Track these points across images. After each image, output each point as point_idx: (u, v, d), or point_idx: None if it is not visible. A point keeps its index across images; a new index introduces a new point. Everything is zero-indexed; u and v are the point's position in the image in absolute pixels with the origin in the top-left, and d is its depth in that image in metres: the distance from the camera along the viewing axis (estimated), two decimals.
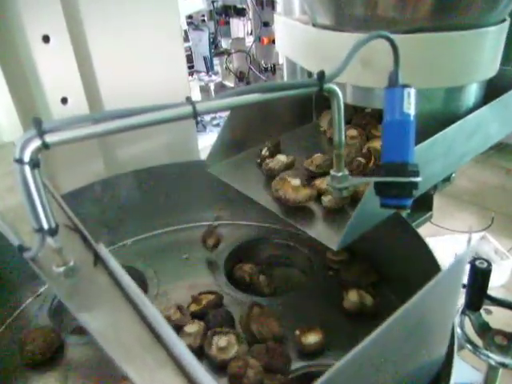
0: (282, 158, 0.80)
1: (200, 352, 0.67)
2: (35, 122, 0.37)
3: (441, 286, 0.38)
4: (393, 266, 0.81)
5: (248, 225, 1.05)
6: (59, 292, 0.42)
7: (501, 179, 2.76)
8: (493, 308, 0.89)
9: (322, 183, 0.71)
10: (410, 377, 0.46)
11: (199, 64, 3.51)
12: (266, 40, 2.93)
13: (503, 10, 0.67)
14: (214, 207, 0.98)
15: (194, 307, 0.79)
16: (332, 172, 0.51)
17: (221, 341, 0.66)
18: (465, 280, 0.83)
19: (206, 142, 0.93)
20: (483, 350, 0.82)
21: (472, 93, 0.75)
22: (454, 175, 0.84)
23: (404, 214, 0.74)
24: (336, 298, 0.77)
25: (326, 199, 0.66)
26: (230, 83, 3.60)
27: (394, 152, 0.49)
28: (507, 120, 0.80)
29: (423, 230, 0.95)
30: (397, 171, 0.48)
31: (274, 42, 2.54)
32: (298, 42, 0.82)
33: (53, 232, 0.41)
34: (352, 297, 0.74)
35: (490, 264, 0.83)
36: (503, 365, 0.80)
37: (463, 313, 0.87)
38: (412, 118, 0.48)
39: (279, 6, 2.31)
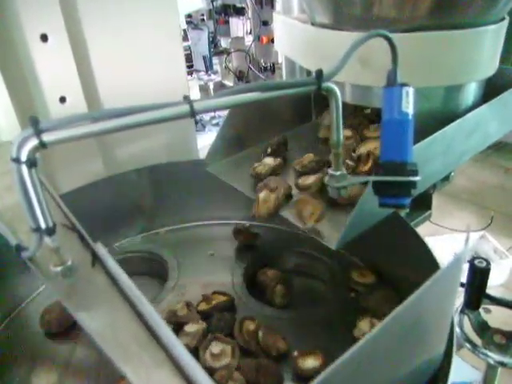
0: (269, 162, 0.80)
1: (195, 353, 0.67)
2: (32, 121, 0.37)
3: (438, 285, 0.38)
4: (392, 265, 0.81)
5: (278, 229, 1.02)
6: (57, 292, 0.42)
7: (500, 178, 2.76)
8: (492, 307, 0.89)
9: (304, 181, 0.70)
10: (408, 376, 0.46)
11: (198, 63, 3.50)
12: (265, 39, 2.92)
13: (502, 9, 0.67)
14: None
15: (202, 306, 0.78)
16: (330, 171, 0.51)
17: (215, 348, 0.65)
18: (464, 279, 0.83)
19: (205, 142, 0.93)
20: (482, 349, 0.82)
21: (471, 92, 0.74)
22: (453, 174, 0.84)
23: (403, 213, 0.74)
24: (349, 323, 0.72)
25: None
26: (229, 82, 3.60)
27: (392, 151, 0.49)
28: (506, 119, 0.80)
29: (422, 229, 0.95)
30: (395, 170, 0.48)
31: (273, 41, 2.54)
32: (297, 40, 0.82)
33: (50, 231, 0.41)
34: (363, 326, 0.70)
35: (488, 263, 0.82)
36: (502, 364, 0.80)
37: (462, 312, 0.87)
38: (410, 117, 0.48)
39: (278, 5, 2.31)
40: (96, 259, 0.44)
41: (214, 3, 3.44)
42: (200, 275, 0.89)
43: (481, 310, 0.87)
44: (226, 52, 3.49)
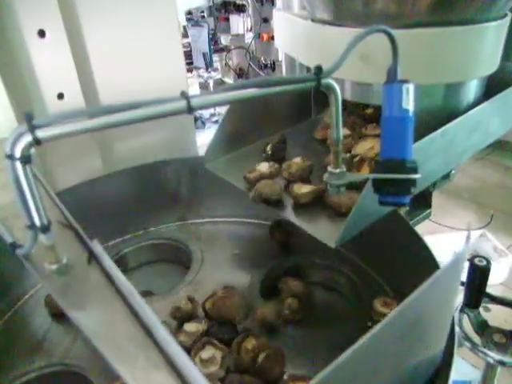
0: (263, 169, 0.79)
1: (189, 353, 0.66)
2: (26, 117, 0.36)
3: (438, 285, 0.38)
4: (390, 264, 0.80)
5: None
6: (52, 290, 0.41)
7: (500, 177, 2.75)
8: (491, 305, 0.89)
9: (298, 189, 0.70)
10: (408, 374, 0.45)
11: (198, 60, 3.49)
12: (265, 36, 2.91)
13: (504, 5, 0.67)
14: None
15: (208, 304, 0.76)
16: (329, 168, 0.50)
17: (205, 353, 0.64)
18: (463, 278, 0.82)
19: (205, 139, 0.93)
20: (481, 347, 0.81)
21: (472, 89, 0.74)
22: (453, 172, 0.83)
23: (403, 211, 0.73)
24: None
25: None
26: (229, 80, 3.59)
27: (392, 148, 0.48)
28: (508, 116, 0.80)
29: (422, 228, 0.95)
30: (395, 168, 0.47)
31: (273, 38, 2.53)
32: (297, 37, 0.82)
33: (45, 229, 0.41)
34: None
35: (488, 262, 0.82)
36: (502, 363, 0.80)
37: (462, 311, 0.87)
38: (411, 114, 0.47)
39: (279, 2, 2.30)
40: (92, 257, 0.44)
41: (214, 0, 3.42)
42: (220, 273, 0.88)
43: (480, 308, 0.87)
44: (227, 49, 3.48)
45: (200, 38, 3.43)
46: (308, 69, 0.83)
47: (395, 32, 0.46)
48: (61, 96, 0.90)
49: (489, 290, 0.84)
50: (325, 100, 0.50)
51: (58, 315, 0.78)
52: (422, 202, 0.94)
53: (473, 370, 1.29)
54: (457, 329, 0.84)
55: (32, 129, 0.36)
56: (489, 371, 0.90)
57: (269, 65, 3.09)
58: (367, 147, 0.72)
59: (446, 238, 2.09)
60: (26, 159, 0.37)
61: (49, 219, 0.41)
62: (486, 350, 0.81)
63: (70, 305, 0.39)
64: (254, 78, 0.44)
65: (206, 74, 3.34)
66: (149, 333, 0.34)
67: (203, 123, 3.10)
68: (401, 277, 0.76)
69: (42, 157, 0.93)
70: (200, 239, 0.99)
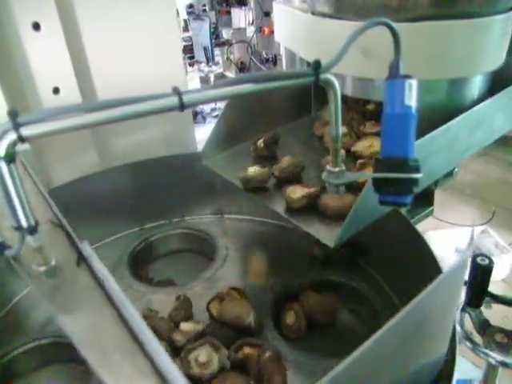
0: (252, 170, 0.77)
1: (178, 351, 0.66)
2: (11, 115, 0.35)
3: (442, 288, 0.36)
4: (391, 263, 0.79)
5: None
6: (40, 292, 0.40)
7: (503, 173, 2.73)
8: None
9: (292, 192, 0.67)
10: (411, 377, 0.44)
11: (200, 54, 3.47)
12: (267, 30, 2.89)
13: None
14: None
15: (213, 306, 0.75)
16: (328, 167, 0.49)
17: (202, 355, 0.63)
18: (465, 276, 0.81)
19: (206, 134, 0.91)
20: (483, 348, 0.80)
21: (476, 84, 0.72)
22: (456, 170, 0.82)
23: (404, 209, 0.72)
24: None
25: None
26: (231, 74, 3.57)
27: (393, 146, 0.46)
28: None
29: (424, 224, 0.94)
30: (396, 167, 0.45)
31: None
32: (297, 30, 0.80)
33: (32, 230, 0.39)
34: None
35: (491, 261, 0.81)
36: (504, 364, 0.78)
37: (463, 310, 0.85)
38: (413, 110, 0.45)
39: None
40: (82, 259, 0.42)
41: None
42: (239, 275, 0.87)
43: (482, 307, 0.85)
44: (228, 43, 3.46)
45: (201, 32, 3.40)
46: (308, 63, 0.82)
47: (397, 25, 0.44)
48: (56, 90, 0.89)
49: (490, 286, 0.83)
50: (326, 95, 0.49)
51: None
52: (424, 199, 0.92)
53: (474, 368, 1.28)
54: (458, 328, 0.83)
55: (16, 126, 0.35)
56: (490, 372, 0.88)
57: (270, 59, 3.06)
58: (366, 145, 0.70)
59: (448, 234, 2.08)
60: (10, 158, 0.36)
61: (36, 220, 0.40)
62: (487, 351, 0.80)
63: (57, 308, 0.37)
64: (249, 73, 0.42)
65: (206, 68, 3.32)
66: (136, 339, 0.32)
67: (204, 118, 3.09)
68: (403, 277, 0.75)
69: (38, 153, 0.92)
70: (227, 235, 0.98)
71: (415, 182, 0.46)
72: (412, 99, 0.45)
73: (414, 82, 0.45)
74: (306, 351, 0.69)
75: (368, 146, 0.71)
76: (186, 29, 3.46)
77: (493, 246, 2.05)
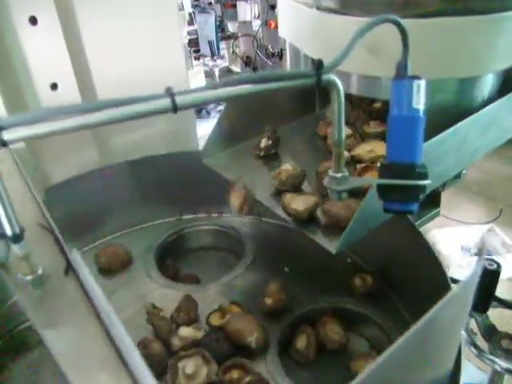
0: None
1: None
2: None
3: (449, 307, 0.34)
4: (395, 269, 0.77)
5: None
6: (25, 303, 0.38)
7: (510, 170, 2.69)
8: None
9: (291, 202, 0.65)
10: None
11: (205, 48, 3.43)
12: (273, 24, 2.85)
13: None
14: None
15: (214, 318, 0.74)
16: (330, 173, 0.46)
17: (189, 367, 0.62)
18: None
19: (210, 129, 0.90)
20: (488, 354, 0.78)
21: (487, 84, 0.69)
22: (464, 172, 0.79)
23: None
24: None
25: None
26: (236, 68, 3.53)
27: (400, 151, 0.44)
28: None
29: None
30: (403, 173, 0.43)
31: None
32: (302, 26, 0.77)
33: (16, 238, 0.37)
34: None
35: (499, 265, 0.78)
36: (510, 371, 0.76)
37: (469, 314, 0.83)
38: (421, 113, 0.43)
39: None
40: (70, 267, 0.40)
41: None
42: (257, 285, 0.83)
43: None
44: (234, 37, 3.42)
45: (207, 25, 3.36)
46: (313, 60, 0.79)
47: (406, 22, 0.41)
48: (54, 86, 0.87)
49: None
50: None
51: (104, 270, 0.91)
52: (431, 201, 0.90)
53: (478, 372, 1.26)
54: (463, 333, 0.81)
55: None
56: (495, 378, 0.86)
57: (276, 53, 3.03)
58: (367, 149, 0.67)
59: (454, 232, 2.05)
60: None
61: (22, 227, 0.38)
62: (493, 357, 0.78)
63: (41, 321, 0.35)
64: (247, 74, 0.40)
65: (211, 63, 3.28)
66: (121, 356, 0.30)
67: (208, 113, 3.07)
68: (406, 283, 0.72)
69: (34, 150, 0.90)
70: (259, 239, 0.95)
71: (422, 189, 0.43)
72: (420, 101, 0.43)
73: (422, 83, 0.43)
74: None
75: (369, 150, 0.68)
76: (191, 22, 3.42)
77: (499, 244, 2.02)
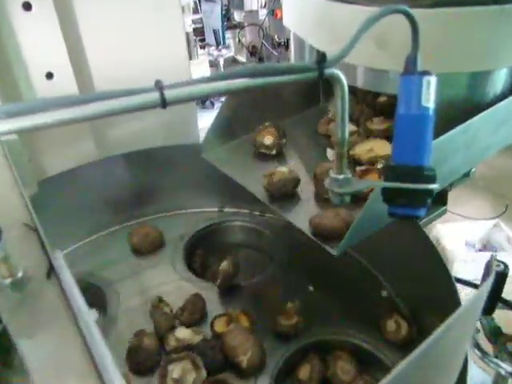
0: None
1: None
2: None
3: (458, 324, 0.31)
4: (399, 270, 0.74)
5: None
6: (2, 308, 0.35)
7: None
8: None
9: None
10: None
11: (211, 37, 3.39)
12: (279, 13, 2.80)
13: None
14: None
15: (218, 324, 0.71)
16: (332, 174, 0.44)
17: (175, 372, 0.61)
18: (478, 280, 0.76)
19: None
20: (493, 358, 0.75)
21: (500, 79, 0.66)
22: (473, 170, 0.76)
23: None
24: None
25: None
26: (242, 58, 3.48)
27: (407, 152, 0.41)
28: None
29: None
30: (410, 176, 0.40)
31: None
32: (306, 15, 0.74)
33: None
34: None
35: (506, 266, 0.76)
36: None
37: None
38: (431, 112, 0.40)
39: None
40: (52, 270, 0.38)
41: None
42: (278, 296, 0.80)
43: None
44: (240, 26, 3.37)
45: (212, 14, 3.31)
46: (318, 52, 0.75)
47: (416, 12, 0.38)
48: (50, 76, 0.84)
49: None
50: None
51: (135, 250, 0.93)
52: (438, 199, 0.87)
53: (480, 372, 1.24)
54: None
55: None
56: (499, 381, 0.84)
57: (282, 43, 2.98)
58: (366, 148, 0.64)
59: (459, 227, 2.02)
60: None
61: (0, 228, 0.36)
62: (497, 361, 0.76)
63: (17, 329, 0.33)
64: (244, 66, 0.37)
65: (216, 52, 3.24)
66: (99, 373, 0.28)
67: (212, 103, 3.03)
68: (410, 285, 0.70)
69: (28, 142, 0.87)
70: (293, 247, 0.90)
71: (430, 193, 0.40)
72: (430, 99, 0.40)
73: (433, 80, 0.40)
74: None
75: (368, 149, 0.65)
76: (196, 10, 3.37)
77: (504, 240, 2.00)
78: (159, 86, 0.34)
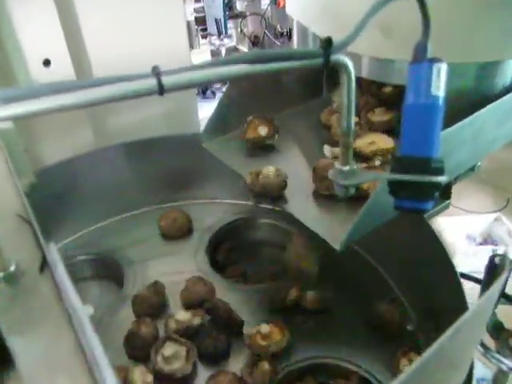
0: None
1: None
2: None
3: (466, 327, 0.30)
4: (403, 265, 0.73)
5: None
6: None
7: None
8: None
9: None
10: None
11: (212, 27, 3.35)
12: (282, 2, 2.76)
13: None
14: None
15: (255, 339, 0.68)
16: (337, 165, 0.42)
17: (167, 350, 0.61)
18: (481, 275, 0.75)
19: None
20: (495, 353, 0.75)
21: (510, 69, 0.64)
22: (479, 164, 0.74)
23: None
24: None
25: None
26: (244, 48, 3.45)
27: (414, 143, 0.39)
28: None
29: None
30: (417, 167, 0.39)
31: None
32: (310, 2, 0.72)
33: None
34: None
35: (511, 261, 0.75)
36: None
37: None
38: (441, 101, 0.38)
39: None
40: (46, 264, 0.36)
41: None
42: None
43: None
44: (242, 15, 3.33)
45: (214, 3, 3.27)
46: (321, 40, 0.74)
47: None
48: (47, 63, 0.82)
49: None
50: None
51: (163, 234, 0.94)
52: (442, 193, 0.86)
53: (481, 367, 1.24)
54: None
55: None
56: (500, 376, 0.83)
57: (285, 33, 2.95)
58: (367, 141, 0.62)
59: (460, 221, 2.01)
60: None
61: None
62: (499, 357, 0.75)
63: (9, 325, 0.32)
64: (245, 52, 0.35)
65: (217, 42, 3.20)
66: (92, 373, 0.27)
67: (213, 93, 3.00)
68: (419, 286, 0.68)
69: (25, 131, 0.85)
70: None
71: (438, 186, 0.39)
72: (440, 88, 0.38)
73: (443, 67, 0.38)
74: None
75: (369, 142, 0.62)
76: None
77: (505, 234, 1.98)
78: (156, 71, 0.32)
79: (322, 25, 0.70)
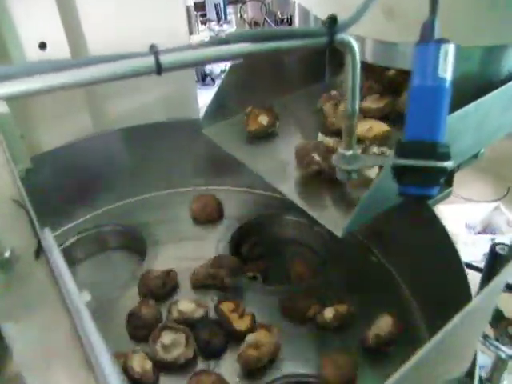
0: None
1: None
2: None
3: (470, 317, 0.30)
4: (406, 252, 0.72)
5: None
6: None
7: None
8: None
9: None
10: None
11: (212, 12, 3.32)
12: None
13: None
14: None
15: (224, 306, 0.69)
16: (340, 150, 0.41)
17: (166, 338, 0.61)
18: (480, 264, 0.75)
19: None
20: (493, 341, 0.75)
21: None
22: (482, 151, 0.73)
23: None
24: None
25: None
26: None
27: (420, 127, 0.38)
28: None
29: None
30: (423, 152, 0.37)
31: None
32: None
33: None
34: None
35: (511, 249, 0.74)
36: None
37: None
38: (448, 84, 0.37)
39: None
40: (41, 249, 0.36)
41: None
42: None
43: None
44: (242, 1, 3.30)
45: None
46: (323, 23, 0.72)
47: None
48: (43, 46, 0.81)
49: None
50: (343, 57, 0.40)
51: (194, 217, 0.94)
52: (444, 180, 0.85)
53: (480, 354, 1.24)
54: None
55: None
56: (499, 364, 0.83)
57: (285, 19, 2.93)
58: (365, 127, 0.60)
59: (460, 209, 2.01)
60: None
61: None
62: (497, 344, 0.75)
63: (4, 312, 0.31)
64: (248, 30, 0.34)
65: (217, 28, 3.17)
66: (89, 359, 0.26)
67: (213, 80, 2.98)
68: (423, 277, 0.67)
69: (22, 117, 0.84)
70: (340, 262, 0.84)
71: (444, 171, 0.38)
72: (447, 70, 0.37)
73: (451, 48, 0.37)
74: None
75: (367, 128, 0.61)
76: None
77: (504, 223, 2.00)
78: (154, 50, 0.31)
79: (324, 7, 0.68)
